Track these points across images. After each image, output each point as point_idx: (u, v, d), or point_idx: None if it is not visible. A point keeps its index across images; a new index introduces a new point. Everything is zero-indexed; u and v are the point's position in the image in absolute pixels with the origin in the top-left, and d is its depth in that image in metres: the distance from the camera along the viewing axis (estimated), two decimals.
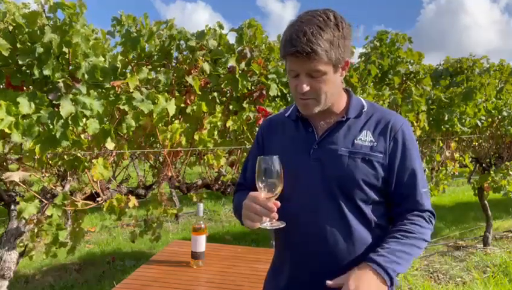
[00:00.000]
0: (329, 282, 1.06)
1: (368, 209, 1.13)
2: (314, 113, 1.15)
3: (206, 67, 2.53)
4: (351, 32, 1.10)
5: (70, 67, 1.83)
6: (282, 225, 1.08)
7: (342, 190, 1.12)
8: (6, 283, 1.98)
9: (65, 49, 1.79)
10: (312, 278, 1.16)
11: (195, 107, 2.49)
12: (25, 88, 1.87)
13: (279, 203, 1.07)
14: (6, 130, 1.62)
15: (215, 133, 2.59)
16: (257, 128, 2.63)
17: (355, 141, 1.14)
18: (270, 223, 1.06)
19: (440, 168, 3.95)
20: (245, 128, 2.70)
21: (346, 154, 1.12)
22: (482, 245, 4.99)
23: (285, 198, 1.16)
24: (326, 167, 1.14)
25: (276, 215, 1.06)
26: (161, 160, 2.63)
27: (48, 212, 1.94)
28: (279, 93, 2.76)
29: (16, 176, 1.87)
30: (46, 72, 1.73)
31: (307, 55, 1.03)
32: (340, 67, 1.11)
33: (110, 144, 1.99)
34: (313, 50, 1.02)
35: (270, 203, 1.04)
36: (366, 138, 1.14)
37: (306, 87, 1.08)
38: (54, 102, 1.79)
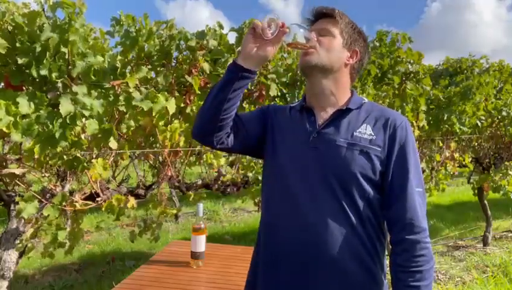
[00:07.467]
0: None
1: (363, 206, 1.12)
2: (318, 103, 1.20)
3: (206, 67, 2.53)
4: (362, 36, 1.24)
5: (69, 67, 1.82)
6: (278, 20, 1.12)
7: (338, 181, 1.12)
8: (6, 283, 1.98)
9: (64, 49, 1.78)
10: (299, 267, 1.14)
11: (194, 107, 2.48)
12: (24, 88, 1.86)
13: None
14: (5, 130, 1.62)
15: None
16: None
17: (355, 133, 1.15)
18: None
19: (439, 168, 3.95)
20: None
21: (344, 145, 1.13)
22: (481, 245, 5.00)
23: (285, 185, 1.16)
24: (324, 156, 1.14)
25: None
26: (161, 160, 2.63)
27: (44, 213, 1.94)
28: (278, 93, 2.76)
29: (17, 170, 1.90)
30: (43, 72, 1.72)
31: (325, 15, 1.19)
32: (349, 49, 1.20)
33: (113, 143, 1.99)
34: (333, 11, 1.18)
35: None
36: (365, 131, 1.15)
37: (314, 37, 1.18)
38: (52, 102, 1.79)
